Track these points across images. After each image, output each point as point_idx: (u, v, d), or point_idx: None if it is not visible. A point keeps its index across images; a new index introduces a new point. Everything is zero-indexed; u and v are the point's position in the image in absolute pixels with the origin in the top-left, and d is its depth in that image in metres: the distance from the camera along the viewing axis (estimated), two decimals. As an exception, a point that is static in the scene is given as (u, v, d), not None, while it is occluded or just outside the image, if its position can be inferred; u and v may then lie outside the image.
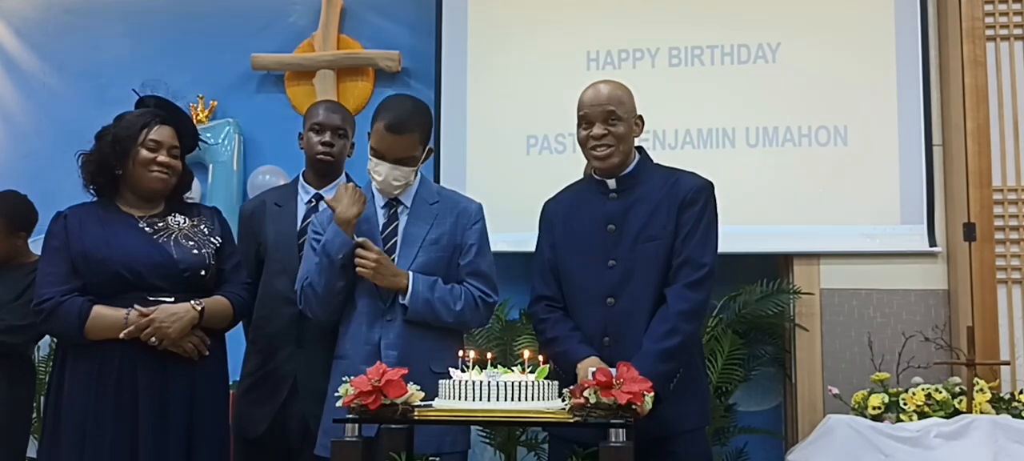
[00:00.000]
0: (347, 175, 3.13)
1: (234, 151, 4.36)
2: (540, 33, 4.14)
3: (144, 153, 2.67)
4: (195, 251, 2.69)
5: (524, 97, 4.08)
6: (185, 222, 2.74)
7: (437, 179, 4.00)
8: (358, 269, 2.56)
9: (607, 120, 2.55)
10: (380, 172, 2.65)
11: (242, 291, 2.79)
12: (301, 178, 3.08)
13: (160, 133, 2.69)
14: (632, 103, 2.61)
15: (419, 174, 2.76)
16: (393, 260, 2.62)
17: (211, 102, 4.45)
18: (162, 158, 2.68)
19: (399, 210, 2.72)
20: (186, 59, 4.51)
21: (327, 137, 3.00)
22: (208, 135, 4.33)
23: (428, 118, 2.74)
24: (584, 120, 2.58)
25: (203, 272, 2.69)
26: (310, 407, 2.81)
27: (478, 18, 4.20)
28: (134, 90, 2.88)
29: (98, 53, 4.58)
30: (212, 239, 2.75)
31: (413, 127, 2.64)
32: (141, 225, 2.68)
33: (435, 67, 4.21)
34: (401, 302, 2.59)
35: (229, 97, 4.48)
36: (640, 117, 2.63)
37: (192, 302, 2.63)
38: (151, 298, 2.60)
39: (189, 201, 2.89)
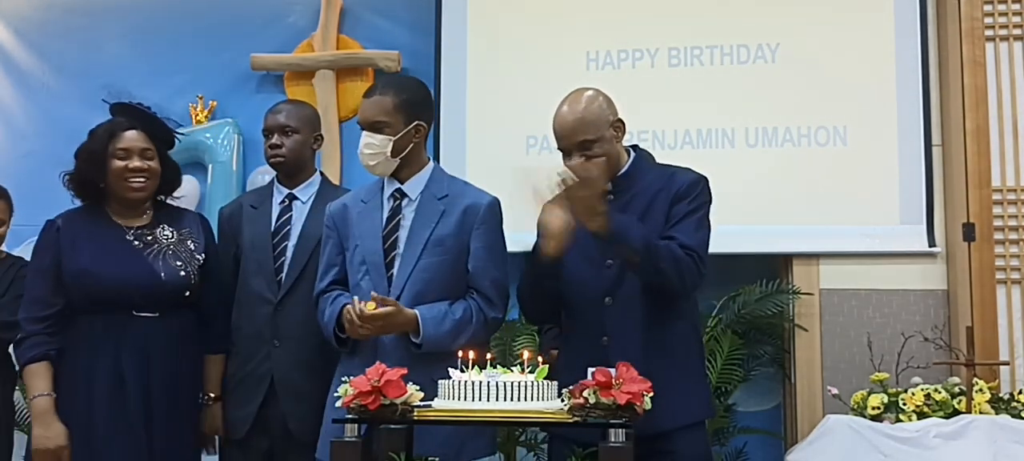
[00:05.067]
0: (321, 173, 3.13)
1: (233, 151, 4.35)
2: (540, 33, 4.12)
3: (116, 163, 2.70)
4: (182, 272, 2.76)
5: (524, 97, 4.06)
6: (172, 235, 2.78)
7: (437, 179, 4.00)
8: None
9: (582, 149, 2.52)
10: (361, 144, 2.60)
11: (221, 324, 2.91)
12: (275, 179, 3.08)
13: (127, 140, 2.71)
14: (603, 114, 2.55)
15: (430, 165, 2.69)
16: (394, 258, 2.57)
17: (210, 102, 4.44)
18: (134, 164, 2.70)
19: (403, 203, 2.63)
20: (185, 59, 4.49)
21: (274, 139, 3.00)
22: (207, 135, 4.34)
23: (412, 93, 2.64)
24: (563, 152, 2.54)
25: (187, 293, 2.75)
26: (289, 406, 2.81)
27: (478, 18, 4.19)
28: (104, 100, 2.87)
29: (98, 53, 4.56)
30: (197, 256, 2.81)
31: (386, 91, 2.59)
32: (130, 237, 2.73)
33: (435, 67, 4.19)
34: (414, 341, 2.51)
35: (228, 97, 4.46)
36: (619, 121, 2.58)
37: None
38: (136, 314, 2.67)
39: (175, 204, 2.91)
